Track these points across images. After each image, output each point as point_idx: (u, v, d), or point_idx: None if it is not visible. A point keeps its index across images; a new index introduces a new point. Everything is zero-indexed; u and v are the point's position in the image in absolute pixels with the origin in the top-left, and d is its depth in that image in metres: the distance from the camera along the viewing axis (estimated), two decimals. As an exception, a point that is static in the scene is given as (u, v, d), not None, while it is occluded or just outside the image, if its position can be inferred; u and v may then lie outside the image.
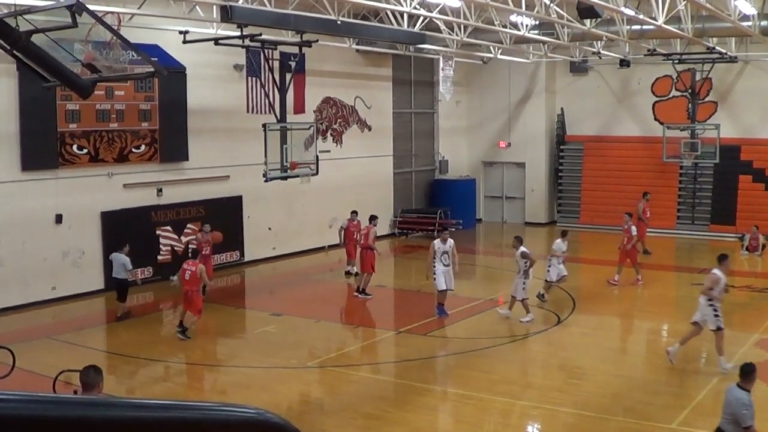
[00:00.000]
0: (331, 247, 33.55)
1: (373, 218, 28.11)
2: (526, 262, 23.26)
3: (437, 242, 24.06)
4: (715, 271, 19.49)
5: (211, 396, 17.55)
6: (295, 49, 27.44)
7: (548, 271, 26.00)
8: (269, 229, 32.66)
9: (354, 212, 30.14)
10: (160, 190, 29.05)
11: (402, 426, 15.75)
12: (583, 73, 43.32)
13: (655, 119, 42.12)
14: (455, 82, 38.87)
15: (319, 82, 34.22)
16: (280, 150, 25.75)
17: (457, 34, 31.84)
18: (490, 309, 25.04)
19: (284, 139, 26.02)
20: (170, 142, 28.91)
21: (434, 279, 23.82)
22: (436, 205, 41.27)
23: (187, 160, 29.73)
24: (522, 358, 21.04)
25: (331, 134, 36.18)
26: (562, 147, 44.32)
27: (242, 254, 31.99)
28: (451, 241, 24.10)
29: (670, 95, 42.04)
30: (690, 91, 40.42)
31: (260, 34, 25.20)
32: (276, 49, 27.14)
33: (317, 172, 27.43)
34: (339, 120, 36.64)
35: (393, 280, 31.80)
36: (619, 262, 29.09)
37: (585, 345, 21.44)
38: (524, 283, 23.35)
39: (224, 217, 30.70)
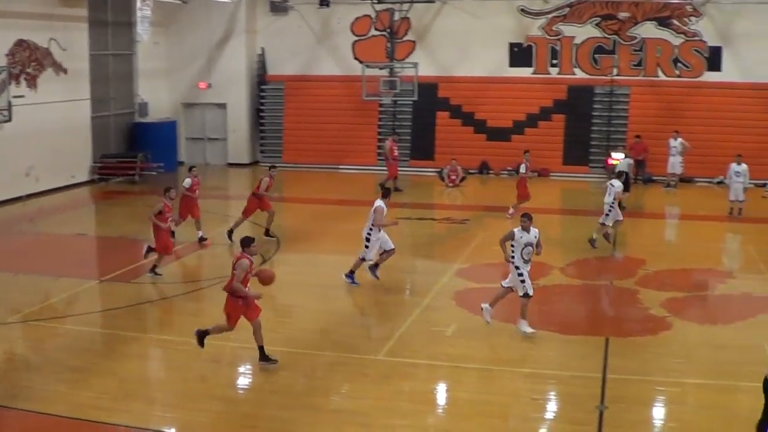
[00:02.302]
0: (29, 196, 32.27)
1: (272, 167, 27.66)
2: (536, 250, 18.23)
3: (382, 203, 21.50)
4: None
5: None
6: (-20, -11, 26.00)
7: (607, 215, 25.48)
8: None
9: (192, 167, 27.92)
10: None
11: (110, 376, 15.37)
12: (283, 13, 43.31)
13: (355, 58, 42.74)
14: (154, 22, 37.97)
15: (10, 24, 32.58)
16: (-31, 96, 24.41)
17: (153, -27, 31.02)
18: (193, 252, 24.80)
19: (-27, 85, 24.67)
20: None
21: (366, 247, 21.41)
22: (137, 149, 40.18)
23: None
24: (230, 300, 20.98)
25: (25, 79, 34.34)
26: (263, 87, 44.25)
27: (-69, 207, 30.23)
28: (378, 204, 21.49)
29: (369, 35, 42.76)
30: (389, 30, 41.25)
31: (-60, -28, 23.71)
32: (-41, -12, 25.59)
33: (11, 119, 26.22)
34: (33, 64, 34.84)
35: (95, 227, 30.96)
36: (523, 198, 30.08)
37: (292, 283, 21.56)
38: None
39: None
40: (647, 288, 21.84)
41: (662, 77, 41.26)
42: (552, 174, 40.35)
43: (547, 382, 15.43)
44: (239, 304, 15.78)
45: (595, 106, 41.35)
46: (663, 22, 40.94)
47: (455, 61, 41.70)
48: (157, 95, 42.86)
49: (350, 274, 21.55)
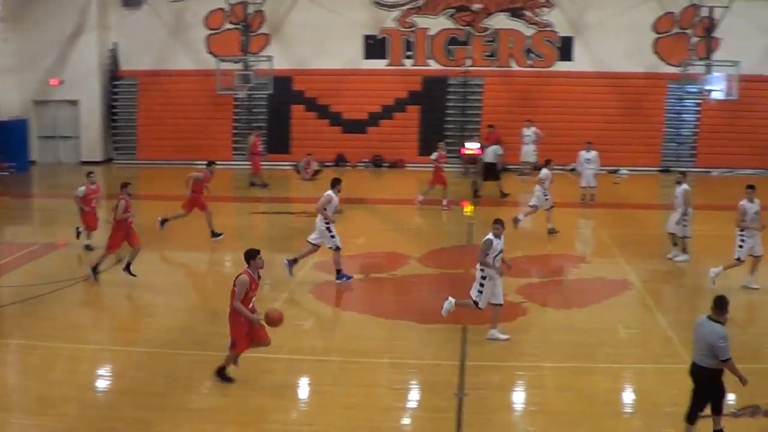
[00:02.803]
0: None
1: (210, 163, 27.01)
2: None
3: (333, 194, 21.28)
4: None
5: None
6: None
7: (547, 199, 27.19)
8: None
9: (90, 173, 25.48)
10: None
11: (-37, 384, 14.98)
12: (136, 7, 42.67)
13: (209, 52, 42.37)
14: (2, 18, 36.98)
15: None
16: None
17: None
18: (49, 253, 24.25)
19: None
20: None
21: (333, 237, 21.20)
22: (-14, 148, 39.11)
23: None
24: (86, 301, 20.63)
25: None
26: (115, 83, 43.51)
27: None
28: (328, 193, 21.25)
29: (223, 28, 42.47)
30: (243, 23, 41.03)
31: None
32: None
33: None
34: None
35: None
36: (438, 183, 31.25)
37: (150, 282, 21.28)
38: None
39: None
40: (503, 275, 22.19)
41: (515, 67, 42.14)
42: (407, 165, 40.76)
43: (406, 371, 15.60)
44: (242, 322, 14.66)
45: (450, 96, 41.97)
46: (515, 13, 41.78)
47: (310, 54, 41.78)
48: (6, 93, 41.70)
49: (339, 274, 21.37)
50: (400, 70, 42.22)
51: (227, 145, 41.96)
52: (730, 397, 14.19)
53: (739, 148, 40.98)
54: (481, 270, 16.93)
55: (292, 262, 21.58)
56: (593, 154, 32.02)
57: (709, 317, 12.21)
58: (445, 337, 17.34)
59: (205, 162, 27.50)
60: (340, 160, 40.96)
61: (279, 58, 40.87)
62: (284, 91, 41.44)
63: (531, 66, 42.10)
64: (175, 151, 41.00)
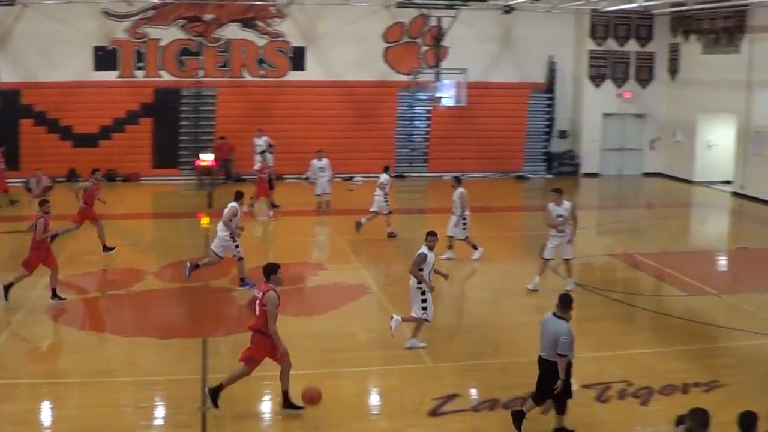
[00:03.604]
0: None
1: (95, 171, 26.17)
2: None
3: (238, 206, 21.85)
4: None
5: None
6: None
7: (387, 203, 28.06)
8: None
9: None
10: None
11: None
12: None
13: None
14: None
15: None
16: None
17: None
18: None
19: None
20: None
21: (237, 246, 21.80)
22: None
23: None
24: None
25: None
26: None
27: None
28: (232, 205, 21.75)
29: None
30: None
31: None
32: None
33: None
34: None
35: None
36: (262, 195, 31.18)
37: None
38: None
39: None
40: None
41: (248, 77, 42.27)
42: (142, 178, 40.24)
43: (149, 388, 15.40)
44: (267, 344, 14.11)
45: (183, 108, 41.64)
46: (248, 24, 41.91)
47: (39, 67, 40.39)
48: None
49: (242, 282, 21.68)
50: (132, 82, 41.50)
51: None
52: (472, 393, 14.87)
53: (468, 153, 42.66)
54: (419, 286, 17.07)
55: (194, 267, 21.94)
56: (325, 162, 32.61)
57: (555, 314, 12.99)
58: (185, 352, 17.26)
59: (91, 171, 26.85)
60: (72, 176, 39.87)
61: (6, 70, 39.43)
62: (12, 105, 39.95)
63: (264, 76, 42.32)
64: None
